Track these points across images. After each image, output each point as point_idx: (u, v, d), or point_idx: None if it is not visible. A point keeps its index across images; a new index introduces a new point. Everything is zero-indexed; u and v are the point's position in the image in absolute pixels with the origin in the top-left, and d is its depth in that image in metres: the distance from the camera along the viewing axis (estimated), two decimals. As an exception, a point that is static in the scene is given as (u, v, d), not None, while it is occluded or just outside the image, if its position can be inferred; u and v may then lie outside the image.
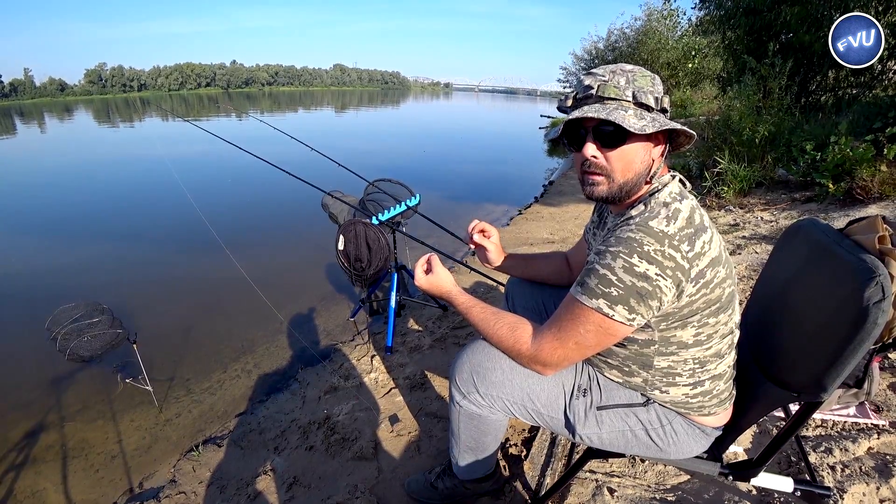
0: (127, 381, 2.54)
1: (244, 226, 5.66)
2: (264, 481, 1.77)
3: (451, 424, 1.22)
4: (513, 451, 1.66)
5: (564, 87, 19.43)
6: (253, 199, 7.07)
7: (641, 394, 1.03)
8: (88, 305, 3.57)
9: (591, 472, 1.49)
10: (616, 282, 0.84)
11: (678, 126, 0.89)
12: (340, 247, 2.35)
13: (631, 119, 0.83)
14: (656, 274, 0.82)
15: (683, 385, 0.98)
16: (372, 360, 2.35)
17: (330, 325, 2.97)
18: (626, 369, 1.01)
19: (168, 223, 5.83)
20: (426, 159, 11.15)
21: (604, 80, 0.87)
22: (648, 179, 0.93)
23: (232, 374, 2.58)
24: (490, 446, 1.24)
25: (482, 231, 1.39)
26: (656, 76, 0.91)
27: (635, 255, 0.83)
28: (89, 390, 2.66)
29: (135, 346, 2.26)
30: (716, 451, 1.09)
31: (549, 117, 22.31)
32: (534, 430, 1.72)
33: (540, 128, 19.57)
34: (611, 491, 1.40)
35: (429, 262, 1.21)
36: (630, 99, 0.87)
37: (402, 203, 2.78)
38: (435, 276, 1.17)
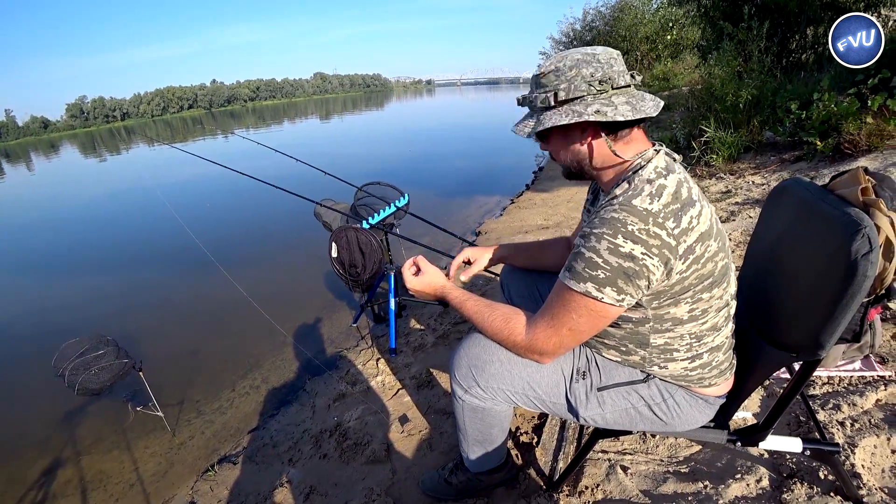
0: (137, 409, 2.54)
1: (239, 244, 5.65)
2: (282, 494, 1.78)
3: (456, 420, 1.23)
4: (524, 438, 1.67)
5: (546, 72, 19.34)
6: (245, 216, 7.06)
7: (640, 370, 1.03)
8: (93, 338, 3.56)
9: (603, 451, 1.49)
10: (602, 264, 0.84)
11: (568, 121, 0.86)
12: (334, 254, 2.35)
13: (528, 125, 0.93)
14: (642, 253, 0.82)
15: (681, 360, 0.98)
16: (377, 364, 2.35)
17: (333, 333, 2.97)
18: (623, 349, 1.01)
19: (164, 249, 5.81)
20: (413, 159, 11.12)
21: (526, 92, 0.97)
22: (619, 157, 0.91)
23: (241, 391, 2.58)
24: (498, 437, 1.24)
25: (465, 261, 1.45)
26: (602, 54, 0.89)
27: (619, 236, 0.82)
28: (102, 422, 2.66)
29: (140, 373, 2.26)
30: (722, 419, 1.09)
31: (533, 104, 22.20)
32: (543, 417, 1.73)
33: (526, 115, 19.49)
34: (624, 469, 1.41)
35: (416, 263, 1.22)
36: (541, 103, 0.90)
37: (391, 205, 2.78)
38: (425, 276, 1.18)
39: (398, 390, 2.15)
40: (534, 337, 0.97)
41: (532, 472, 1.51)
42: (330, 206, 2.88)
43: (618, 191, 0.89)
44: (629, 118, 0.85)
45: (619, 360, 1.04)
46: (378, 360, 2.38)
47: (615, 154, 0.91)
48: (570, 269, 0.89)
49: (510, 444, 1.63)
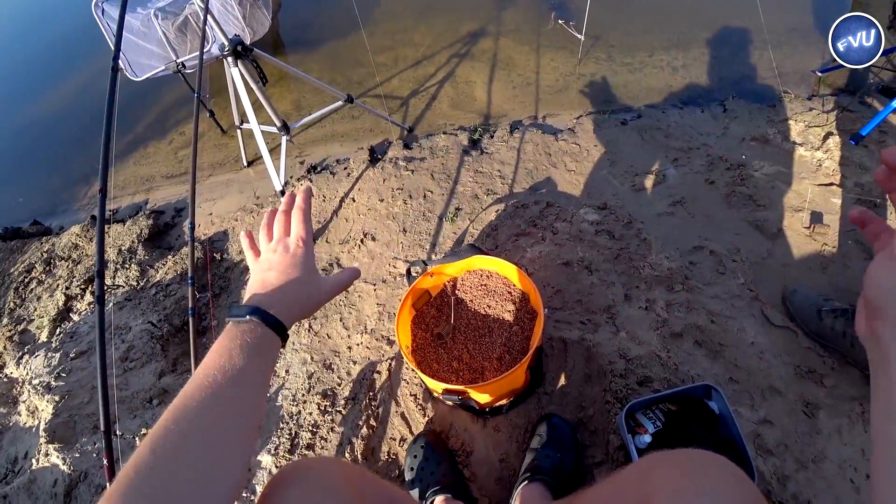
0: (560, 21, 2.54)
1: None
2: (650, 181, 1.71)
3: None
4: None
5: None
6: None
7: None
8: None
9: None
10: None
11: None
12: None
13: None
14: None
15: None
16: (826, 139, 1.76)
17: (786, 64, 2.11)
18: None
19: None
20: None
21: None
22: None
23: (656, 62, 2.26)
24: None
25: None
26: None
27: None
28: (524, 16, 2.79)
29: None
30: None
31: None
32: None
33: None
34: None
35: None
36: None
37: None
38: None
39: (831, 184, 1.62)
40: None
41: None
42: None
43: None
44: None
45: None
46: (829, 134, 1.77)
47: None
48: None
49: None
